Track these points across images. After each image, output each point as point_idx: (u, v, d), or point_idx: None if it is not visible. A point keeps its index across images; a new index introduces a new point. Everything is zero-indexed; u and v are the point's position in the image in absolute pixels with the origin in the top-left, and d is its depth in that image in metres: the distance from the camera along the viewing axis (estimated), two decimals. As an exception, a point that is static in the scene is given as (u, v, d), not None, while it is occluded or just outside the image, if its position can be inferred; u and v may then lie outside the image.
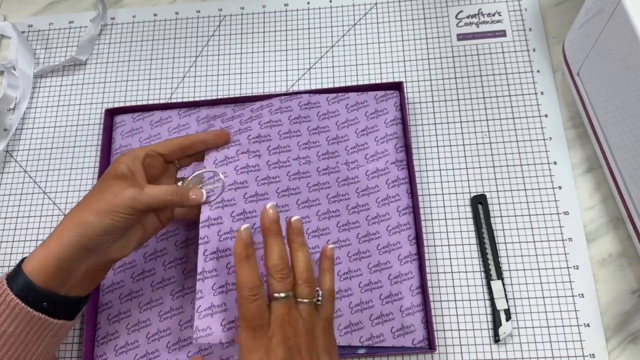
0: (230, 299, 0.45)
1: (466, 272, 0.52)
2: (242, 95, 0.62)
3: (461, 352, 0.50)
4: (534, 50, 0.60)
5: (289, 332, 0.38)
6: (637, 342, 0.49)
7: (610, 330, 0.50)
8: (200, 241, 0.47)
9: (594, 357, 0.49)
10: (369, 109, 0.56)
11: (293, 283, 0.40)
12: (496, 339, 0.50)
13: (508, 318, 0.50)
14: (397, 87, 0.58)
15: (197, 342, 0.46)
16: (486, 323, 0.51)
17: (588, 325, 0.50)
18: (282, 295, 0.39)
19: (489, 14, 0.63)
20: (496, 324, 0.50)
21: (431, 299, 0.52)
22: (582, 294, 0.51)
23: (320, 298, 0.41)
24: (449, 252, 0.53)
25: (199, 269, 0.46)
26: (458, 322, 0.51)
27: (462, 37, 0.62)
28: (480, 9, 0.63)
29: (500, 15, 0.63)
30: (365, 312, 0.49)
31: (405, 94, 0.57)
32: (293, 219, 0.43)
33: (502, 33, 0.62)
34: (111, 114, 0.60)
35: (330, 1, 0.66)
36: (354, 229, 0.52)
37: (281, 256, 0.40)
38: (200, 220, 0.47)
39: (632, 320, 0.50)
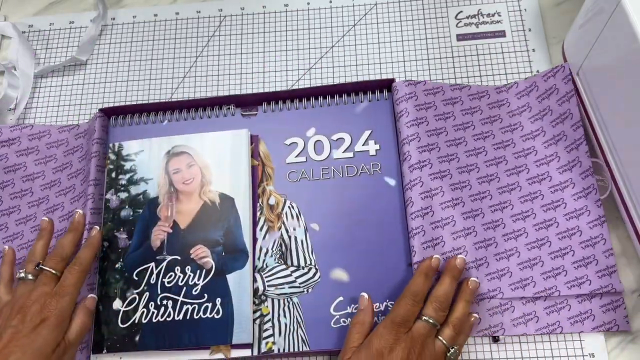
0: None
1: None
2: (242, 94, 0.62)
3: (460, 351, 0.50)
4: (533, 50, 0.60)
5: (416, 349, 0.44)
6: (636, 342, 0.49)
7: (609, 330, 0.50)
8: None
9: (593, 356, 0.49)
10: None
11: (444, 317, 0.47)
12: (495, 338, 0.50)
13: (508, 318, 0.50)
14: (389, 83, 0.58)
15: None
16: (486, 323, 0.51)
17: (588, 325, 0.50)
18: (431, 320, 0.45)
19: (489, 14, 0.63)
20: (496, 323, 0.50)
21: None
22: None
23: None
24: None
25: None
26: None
27: (461, 37, 0.62)
28: (479, 10, 0.63)
29: (499, 15, 0.63)
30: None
31: (396, 92, 0.57)
32: (458, 258, 0.49)
33: (502, 33, 0.62)
34: (107, 115, 0.61)
35: (330, 1, 0.66)
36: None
37: (447, 295, 0.47)
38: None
39: (632, 320, 0.50)
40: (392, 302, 0.50)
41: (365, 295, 0.49)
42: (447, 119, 0.56)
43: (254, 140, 0.58)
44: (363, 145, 0.57)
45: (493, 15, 0.63)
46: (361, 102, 0.58)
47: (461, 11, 0.63)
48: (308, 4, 0.66)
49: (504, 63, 0.60)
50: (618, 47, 0.46)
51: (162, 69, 0.65)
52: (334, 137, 0.57)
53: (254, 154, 0.57)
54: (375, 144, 0.56)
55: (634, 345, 0.49)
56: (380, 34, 0.64)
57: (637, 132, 0.47)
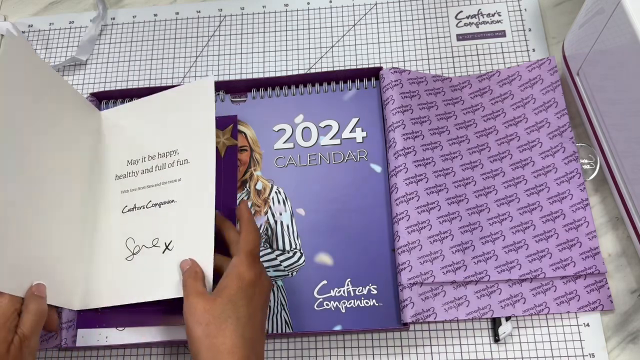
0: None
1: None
2: (232, 80, 0.62)
3: (461, 352, 0.50)
4: (533, 50, 0.60)
5: None
6: (636, 342, 0.49)
7: (609, 330, 0.50)
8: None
9: (593, 356, 0.49)
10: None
11: None
12: (496, 338, 0.50)
13: (508, 318, 0.50)
14: (376, 72, 0.58)
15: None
16: (486, 322, 0.51)
17: (588, 325, 0.50)
18: None
19: (489, 14, 0.63)
20: (496, 323, 0.50)
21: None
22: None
23: None
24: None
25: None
26: (458, 322, 0.51)
27: (461, 37, 0.62)
28: (479, 9, 0.63)
29: (499, 15, 0.63)
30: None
31: (383, 79, 0.57)
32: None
33: (502, 33, 0.62)
34: (98, 99, 0.61)
35: (330, 1, 0.66)
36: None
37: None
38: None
39: (631, 320, 0.50)
40: (375, 286, 0.51)
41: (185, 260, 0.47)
42: (430, 109, 0.56)
43: (232, 119, 0.58)
44: (350, 132, 0.57)
45: (493, 15, 0.63)
46: (349, 89, 0.59)
47: (461, 11, 0.63)
48: (308, 4, 0.66)
49: (504, 63, 0.60)
50: (618, 47, 0.46)
51: (162, 69, 0.65)
52: (322, 124, 0.58)
53: (233, 133, 0.58)
54: (362, 131, 0.57)
55: (634, 346, 0.49)
56: (380, 33, 0.64)
57: (637, 131, 0.47)
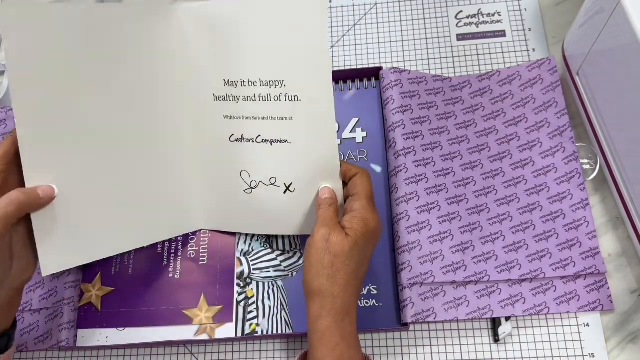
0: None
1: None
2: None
3: (461, 352, 0.50)
4: (533, 50, 0.60)
5: None
6: (636, 342, 0.49)
7: (609, 330, 0.50)
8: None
9: (593, 356, 0.49)
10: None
11: None
12: (496, 338, 0.50)
13: (508, 318, 0.50)
14: (376, 72, 0.59)
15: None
16: (486, 322, 0.51)
17: (588, 325, 0.50)
18: None
19: (489, 14, 0.63)
20: (496, 323, 0.50)
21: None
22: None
23: None
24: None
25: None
26: (458, 322, 0.51)
27: (461, 37, 0.62)
28: (479, 9, 0.63)
29: (499, 15, 0.63)
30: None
31: (383, 79, 0.58)
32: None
33: (502, 33, 0.62)
34: None
35: (330, 1, 0.66)
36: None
37: None
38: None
39: (631, 320, 0.50)
40: (375, 287, 0.52)
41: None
42: (430, 109, 0.57)
43: None
44: (350, 132, 0.57)
45: (493, 15, 0.63)
46: (349, 89, 0.59)
47: (461, 11, 0.63)
48: (308, 3, 0.66)
49: (504, 63, 0.60)
50: (618, 47, 0.46)
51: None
52: None
53: None
54: (362, 131, 0.57)
55: (634, 346, 0.49)
56: (380, 33, 0.63)
57: (637, 131, 0.47)
